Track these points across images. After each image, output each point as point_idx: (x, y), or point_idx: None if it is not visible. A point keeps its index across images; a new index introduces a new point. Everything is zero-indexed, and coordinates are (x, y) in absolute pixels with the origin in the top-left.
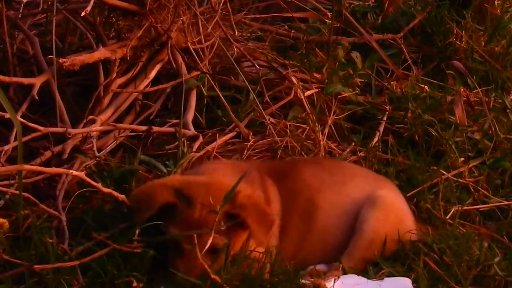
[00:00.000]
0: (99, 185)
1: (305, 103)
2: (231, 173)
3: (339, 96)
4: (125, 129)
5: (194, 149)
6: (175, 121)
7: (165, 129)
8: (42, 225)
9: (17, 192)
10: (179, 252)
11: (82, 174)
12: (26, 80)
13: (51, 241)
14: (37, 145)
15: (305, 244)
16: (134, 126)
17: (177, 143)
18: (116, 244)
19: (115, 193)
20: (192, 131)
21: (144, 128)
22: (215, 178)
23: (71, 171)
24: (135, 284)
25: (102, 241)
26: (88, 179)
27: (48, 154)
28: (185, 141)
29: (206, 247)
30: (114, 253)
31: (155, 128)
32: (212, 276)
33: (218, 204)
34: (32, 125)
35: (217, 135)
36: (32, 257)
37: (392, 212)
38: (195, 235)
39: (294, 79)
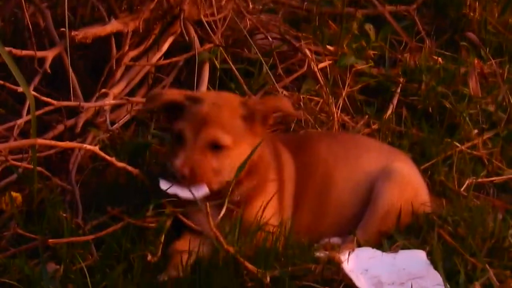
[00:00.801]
0: (112, 159)
1: (318, 75)
2: None
3: (353, 69)
4: (138, 103)
5: None
6: None
7: None
8: (55, 199)
9: (31, 166)
10: (181, 143)
11: (95, 148)
12: (38, 53)
13: (64, 215)
14: (49, 119)
15: (319, 218)
16: None
17: None
18: (130, 218)
19: (129, 167)
20: None
21: None
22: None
23: (84, 145)
24: (149, 257)
25: (116, 215)
26: (102, 153)
27: (61, 127)
28: None
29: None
30: (128, 228)
31: None
32: (226, 247)
33: (234, 107)
34: (45, 99)
35: None
36: (46, 231)
37: (408, 184)
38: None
39: (307, 52)
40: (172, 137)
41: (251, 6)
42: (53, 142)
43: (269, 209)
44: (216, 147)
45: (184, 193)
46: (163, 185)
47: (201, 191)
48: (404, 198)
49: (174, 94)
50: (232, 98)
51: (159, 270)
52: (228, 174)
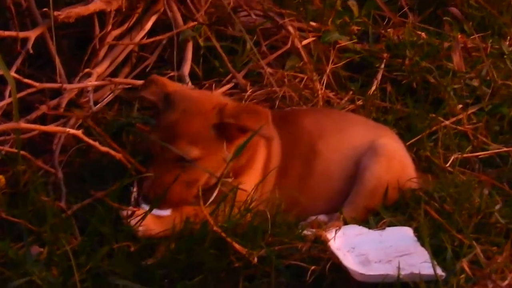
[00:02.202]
0: (96, 143)
1: (302, 52)
2: None
3: (337, 45)
4: (121, 83)
5: None
6: (172, 73)
7: None
8: (38, 181)
9: (14, 150)
10: (152, 158)
11: (79, 133)
12: (20, 34)
13: (47, 199)
14: (32, 99)
15: (305, 189)
16: (130, 80)
17: None
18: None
19: (113, 152)
20: (188, 83)
21: (140, 82)
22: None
23: (68, 129)
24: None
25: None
26: (85, 138)
27: (44, 108)
28: None
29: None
30: (112, 209)
31: None
32: (214, 228)
33: (205, 114)
34: (27, 81)
35: (214, 86)
36: (30, 214)
37: (395, 159)
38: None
39: (291, 28)
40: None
41: None
42: (36, 126)
43: (252, 185)
44: (184, 160)
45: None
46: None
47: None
48: (391, 173)
49: (153, 93)
50: (207, 104)
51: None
52: (202, 182)
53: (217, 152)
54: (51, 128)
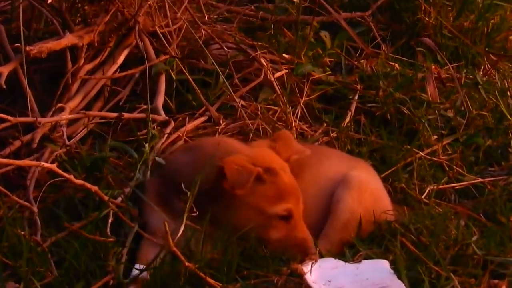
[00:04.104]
0: (71, 176)
1: (275, 84)
2: None
3: (310, 77)
4: (96, 116)
5: (166, 134)
6: (145, 106)
7: (136, 115)
8: (13, 215)
9: None
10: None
11: (53, 166)
12: None
13: (23, 233)
14: (5, 135)
15: None
16: (105, 113)
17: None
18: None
19: (88, 185)
20: (163, 116)
21: (114, 115)
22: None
23: (42, 163)
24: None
25: (75, 231)
26: (60, 171)
27: (17, 143)
28: (155, 126)
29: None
30: (87, 243)
31: (126, 115)
32: (186, 264)
33: None
34: (1, 115)
35: (187, 119)
36: (5, 249)
37: (367, 191)
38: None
39: (263, 61)
40: None
41: (206, 16)
42: (11, 161)
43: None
44: None
45: None
46: None
47: None
48: (363, 205)
49: None
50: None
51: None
52: None
53: None
54: (26, 162)
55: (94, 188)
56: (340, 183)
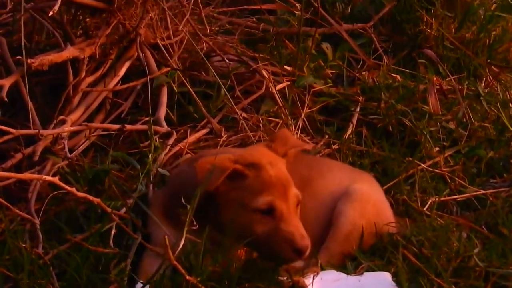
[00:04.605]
0: (73, 189)
1: (277, 96)
2: None
3: (311, 89)
4: (98, 128)
5: (168, 146)
6: (147, 118)
7: (139, 127)
8: (15, 228)
9: None
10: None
11: (55, 179)
12: None
13: (24, 245)
14: (7, 147)
15: None
16: (106, 125)
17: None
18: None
19: (90, 197)
20: (165, 128)
21: (116, 127)
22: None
23: (44, 176)
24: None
25: (77, 243)
26: (62, 184)
27: (19, 156)
28: (157, 138)
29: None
30: (89, 256)
31: (128, 127)
32: (187, 277)
33: None
34: (3, 127)
35: (189, 131)
36: (7, 262)
37: (369, 204)
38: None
39: (265, 73)
40: None
41: (207, 28)
42: (12, 174)
43: None
44: None
45: None
46: None
47: None
48: (365, 218)
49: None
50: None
51: None
52: None
53: None
54: (27, 175)
55: (97, 200)
56: (342, 195)
